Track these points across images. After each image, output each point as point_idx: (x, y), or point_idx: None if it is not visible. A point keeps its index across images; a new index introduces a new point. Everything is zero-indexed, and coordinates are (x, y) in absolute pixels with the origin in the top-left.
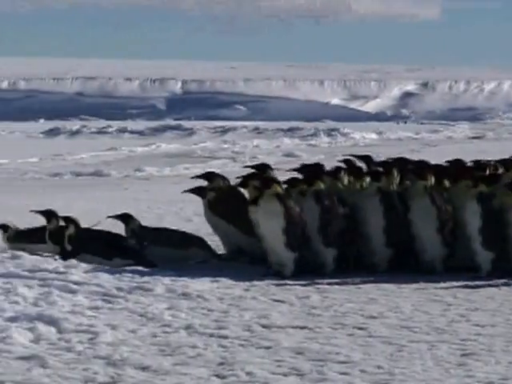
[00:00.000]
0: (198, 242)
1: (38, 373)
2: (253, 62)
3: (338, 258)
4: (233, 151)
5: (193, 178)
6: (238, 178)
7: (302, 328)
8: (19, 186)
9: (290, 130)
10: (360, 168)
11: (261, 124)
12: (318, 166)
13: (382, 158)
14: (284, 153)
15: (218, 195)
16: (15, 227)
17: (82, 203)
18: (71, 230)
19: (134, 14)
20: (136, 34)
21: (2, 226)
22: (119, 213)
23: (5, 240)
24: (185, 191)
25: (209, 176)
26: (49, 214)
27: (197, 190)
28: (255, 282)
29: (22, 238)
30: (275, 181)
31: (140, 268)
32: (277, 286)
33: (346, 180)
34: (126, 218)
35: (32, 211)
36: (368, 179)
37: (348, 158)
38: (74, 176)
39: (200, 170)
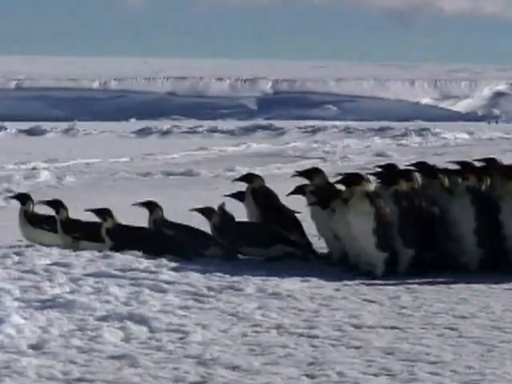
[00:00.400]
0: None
1: (129, 372)
2: (344, 62)
3: (415, 258)
4: (323, 151)
5: (234, 180)
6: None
7: (393, 328)
8: (110, 186)
9: (381, 129)
10: (435, 168)
11: (351, 124)
12: (392, 167)
13: (473, 158)
14: (374, 152)
15: (225, 219)
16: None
17: (172, 202)
18: (109, 223)
19: (224, 13)
20: (227, 33)
21: (20, 197)
22: (144, 200)
23: (22, 216)
24: (192, 210)
25: (249, 178)
26: (56, 205)
27: (203, 210)
28: (346, 282)
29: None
30: (364, 178)
31: (229, 267)
32: (367, 286)
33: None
34: (151, 205)
35: (40, 202)
36: (456, 179)
37: (421, 161)
38: (165, 175)
39: (291, 169)
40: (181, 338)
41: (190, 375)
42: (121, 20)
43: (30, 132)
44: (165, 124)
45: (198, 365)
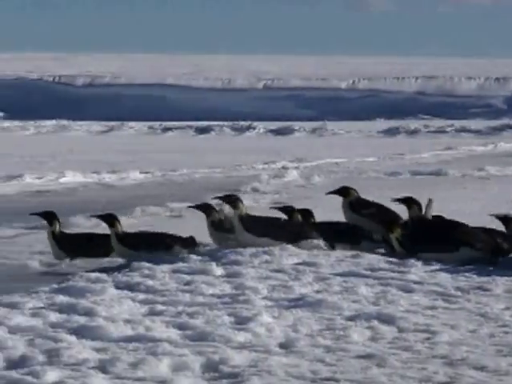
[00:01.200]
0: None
1: (377, 372)
2: None
3: None
4: None
5: (327, 193)
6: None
7: None
8: (358, 186)
9: None
10: None
11: None
12: None
13: None
14: None
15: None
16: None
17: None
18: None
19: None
20: (476, 32)
21: (46, 215)
22: (199, 203)
23: (50, 237)
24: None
25: (343, 192)
26: (109, 218)
27: (303, 212)
28: None
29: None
30: None
31: (477, 268)
32: None
33: None
34: (206, 208)
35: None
36: None
37: None
38: (412, 175)
39: None
40: (428, 338)
41: (437, 375)
42: (366, 18)
43: (279, 132)
44: (413, 123)
45: (446, 365)
